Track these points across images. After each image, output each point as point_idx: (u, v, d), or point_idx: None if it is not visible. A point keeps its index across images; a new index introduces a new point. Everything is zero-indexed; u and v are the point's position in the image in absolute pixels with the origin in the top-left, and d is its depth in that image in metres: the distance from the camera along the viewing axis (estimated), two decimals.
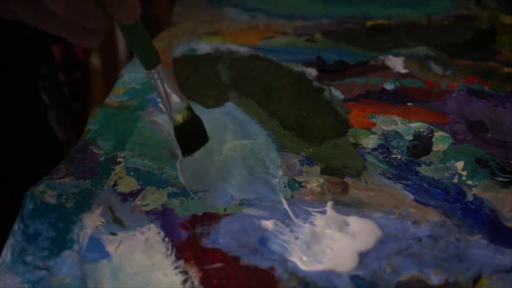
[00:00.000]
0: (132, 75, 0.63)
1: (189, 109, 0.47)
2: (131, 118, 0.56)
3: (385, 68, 0.64)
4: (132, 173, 0.49)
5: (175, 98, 0.46)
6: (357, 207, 0.46)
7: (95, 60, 1.21)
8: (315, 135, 0.54)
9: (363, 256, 0.42)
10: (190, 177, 0.48)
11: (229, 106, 0.58)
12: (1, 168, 0.68)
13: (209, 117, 0.56)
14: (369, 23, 0.74)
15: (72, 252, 0.42)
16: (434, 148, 0.52)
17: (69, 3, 0.40)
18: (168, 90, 0.46)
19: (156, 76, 0.46)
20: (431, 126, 0.54)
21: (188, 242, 0.43)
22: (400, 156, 0.51)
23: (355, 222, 0.44)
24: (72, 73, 0.84)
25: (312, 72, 0.63)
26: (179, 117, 0.47)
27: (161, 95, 0.46)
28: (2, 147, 0.69)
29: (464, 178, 0.49)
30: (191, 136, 0.48)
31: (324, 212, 0.45)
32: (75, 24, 0.42)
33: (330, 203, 0.46)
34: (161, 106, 0.47)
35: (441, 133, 0.54)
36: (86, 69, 0.93)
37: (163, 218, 0.45)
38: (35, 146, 0.73)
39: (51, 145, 0.77)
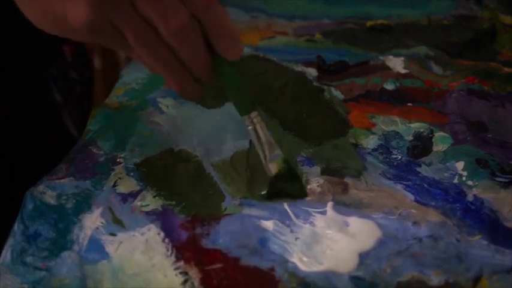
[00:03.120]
0: (132, 75, 0.63)
1: (285, 161, 0.46)
2: (131, 118, 0.56)
3: (385, 68, 0.64)
4: (132, 173, 0.49)
5: (271, 147, 0.46)
6: (357, 208, 0.46)
7: (96, 61, 1.21)
8: (315, 136, 0.54)
9: (363, 257, 0.42)
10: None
11: (229, 106, 0.58)
12: (19, 168, 0.68)
13: (209, 117, 0.56)
14: (369, 23, 0.74)
15: (72, 253, 0.42)
16: (435, 148, 0.52)
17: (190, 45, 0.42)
18: (263, 138, 0.46)
19: (249, 122, 0.46)
20: (431, 127, 0.54)
21: (188, 243, 0.43)
22: (400, 157, 0.51)
23: (355, 223, 0.44)
24: (83, 72, 0.85)
25: (312, 72, 0.63)
26: (274, 168, 0.46)
27: (255, 142, 0.46)
28: (16, 147, 0.69)
29: (464, 178, 0.49)
30: (286, 188, 0.46)
31: (324, 213, 0.45)
32: (184, 71, 0.44)
33: (330, 204, 0.46)
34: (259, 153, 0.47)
35: (441, 133, 0.54)
36: (93, 69, 0.94)
37: (163, 218, 0.45)
38: (50, 145, 0.73)
39: (66, 143, 0.78)
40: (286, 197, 0.46)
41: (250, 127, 0.46)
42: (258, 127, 0.46)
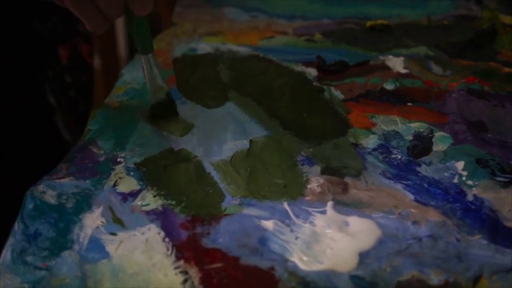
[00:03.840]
0: (133, 74, 0.63)
1: (168, 94, 0.56)
2: (131, 118, 0.56)
3: (385, 68, 0.64)
4: (132, 173, 0.49)
5: (159, 82, 0.55)
6: (356, 207, 0.46)
7: (96, 61, 1.21)
8: (314, 135, 0.54)
9: (363, 256, 0.42)
10: None
11: (229, 106, 0.58)
12: (9, 168, 0.68)
13: (209, 117, 0.56)
14: (369, 23, 0.74)
15: (72, 252, 0.42)
16: (434, 148, 0.52)
17: None
18: (154, 74, 0.54)
19: (147, 61, 0.53)
20: (431, 126, 0.54)
21: (188, 242, 0.43)
22: (400, 156, 0.51)
23: (355, 222, 0.44)
24: (78, 75, 0.85)
25: (312, 72, 0.63)
26: (157, 98, 0.55)
27: (148, 77, 0.54)
28: (9, 148, 0.69)
29: (464, 178, 0.49)
30: (163, 113, 0.56)
31: (324, 212, 0.45)
32: (96, 10, 0.48)
33: (330, 203, 0.46)
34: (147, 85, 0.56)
35: (441, 133, 0.54)
36: (92, 71, 0.94)
37: (163, 218, 0.45)
38: (42, 148, 0.73)
39: (58, 146, 0.78)
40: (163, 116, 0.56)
41: (145, 65, 0.53)
42: (151, 66, 0.54)
